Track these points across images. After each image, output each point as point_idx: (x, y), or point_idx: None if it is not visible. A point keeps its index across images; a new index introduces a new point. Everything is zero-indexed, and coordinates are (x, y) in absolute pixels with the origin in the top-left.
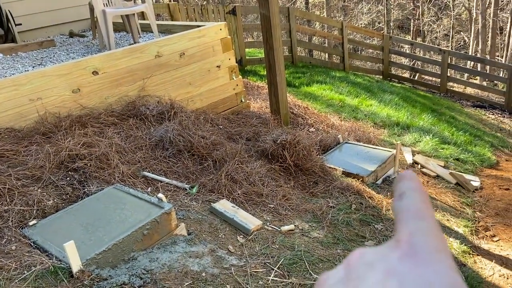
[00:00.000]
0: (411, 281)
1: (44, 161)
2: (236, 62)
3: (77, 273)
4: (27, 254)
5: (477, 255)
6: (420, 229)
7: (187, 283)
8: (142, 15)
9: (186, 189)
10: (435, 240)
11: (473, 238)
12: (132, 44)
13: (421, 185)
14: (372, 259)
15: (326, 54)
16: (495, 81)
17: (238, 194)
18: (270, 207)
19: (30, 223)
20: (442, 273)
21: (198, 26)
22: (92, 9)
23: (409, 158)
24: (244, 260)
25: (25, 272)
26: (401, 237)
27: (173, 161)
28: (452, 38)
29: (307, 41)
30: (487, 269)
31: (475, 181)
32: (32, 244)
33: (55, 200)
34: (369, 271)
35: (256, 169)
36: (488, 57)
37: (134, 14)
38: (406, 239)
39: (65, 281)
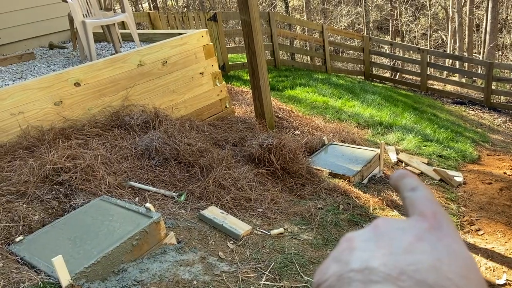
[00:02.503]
0: (441, 247)
1: (28, 176)
2: (219, 68)
3: None
4: (14, 270)
5: None
6: (440, 211)
7: None
8: (123, 24)
9: (174, 198)
10: (452, 223)
11: (459, 233)
12: (114, 54)
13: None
14: (402, 225)
15: (308, 57)
16: (473, 78)
17: (227, 200)
18: (259, 211)
19: (17, 239)
20: (463, 247)
21: (180, 34)
22: (71, 20)
23: (393, 157)
24: (235, 266)
25: None
26: (426, 213)
27: (160, 169)
28: (430, 37)
29: (288, 44)
30: None
31: (458, 177)
32: (19, 260)
33: (41, 215)
34: (400, 234)
35: (244, 174)
36: (465, 54)
37: (114, 24)
38: (431, 215)
39: None
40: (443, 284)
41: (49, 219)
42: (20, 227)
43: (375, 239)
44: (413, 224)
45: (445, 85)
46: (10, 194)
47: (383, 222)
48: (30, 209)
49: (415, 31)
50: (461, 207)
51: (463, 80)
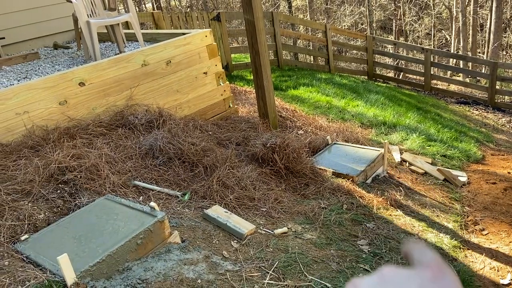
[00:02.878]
0: None
1: (33, 175)
2: (223, 68)
3: (72, 286)
4: (20, 269)
5: (468, 249)
6: (444, 264)
7: None
8: (127, 24)
9: (178, 197)
10: (455, 275)
11: (463, 233)
12: (118, 54)
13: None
14: (408, 275)
15: (311, 56)
16: (477, 77)
17: (230, 199)
18: (262, 210)
19: (22, 238)
20: None
21: (183, 34)
22: (76, 20)
23: (397, 157)
24: (239, 265)
25: (20, 287)
26: (431, 265)
27: (164, 169)
28: (434, 36)
29: (292, 44)
30: (478, 263)
31: (463, 177)
32: (25, 259)
33: (46, 213)
34: (405, 283)
35: (247, 174)
36: (469, 54)
37: (118, 24)
38: (435, 266)
39: None
40: None
41: (54, 218)
42: (26, 225)
43: (382, 286)
44: (417, 274)
45: (449, 85)
46: (15, 193)
47: (389, 271)
48: (36, 208)
49: (418, 31)
50: (465, 207)
51: (467, 79)
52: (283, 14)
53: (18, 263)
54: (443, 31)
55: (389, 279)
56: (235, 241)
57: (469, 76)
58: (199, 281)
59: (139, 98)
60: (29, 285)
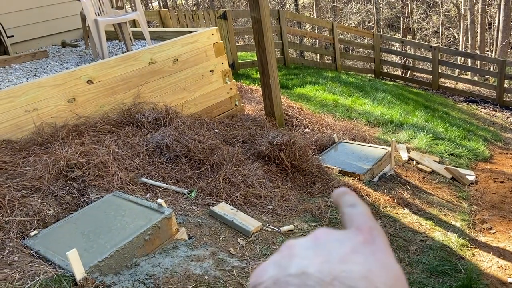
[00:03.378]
0: (373, 259)
1: (42, 172)
2: (229, 66)
3: (81, 281)
4: (30, 264)
5: (475, 247)
6: (376, 227)
7: (190, 287)
8: (134, 23)
9: (185, 194)
10: (385, 238)
11: (471, 231)
12: (125, 52)
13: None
14: (340, 237)
15: (318, 55)
16: (486, 76)
17: (237, 196)
18: (268, 208)
19: (32, 234)
20: (393, 261)
21: (190, 32)
22: (84, 19)
23: (404, 155)
24: (246, 261)
25: (29, 282)
26: (363, 228)
27: (171, 166)
28: (442, 34)
29: (298, 42)
30: (485, 261)
31: (470, 175)
32: (34, 254)
33: (55, 209)
34: (338, 245)
35: (254, 171)
36: (478, 52)
37: (126, 22)
38: (367, 230)
39: None
40: None
41: (63, 214)
42: (35, 221)
43: (314, 248)
44: (350, 237)
45: (457, 83)
46: (25, 189)
47: (323, 233)
48: (45, 204)
49: (426, 29)
50: (473, 206)
51: (475, 78)
52: (290, 12)
53: (27, 258)
54: (451, 29)
55: (323, 241)
56: (242, 238)
57: (477, 75)
58: (206, 277)
59: (146, 96)
60: (38, 280)
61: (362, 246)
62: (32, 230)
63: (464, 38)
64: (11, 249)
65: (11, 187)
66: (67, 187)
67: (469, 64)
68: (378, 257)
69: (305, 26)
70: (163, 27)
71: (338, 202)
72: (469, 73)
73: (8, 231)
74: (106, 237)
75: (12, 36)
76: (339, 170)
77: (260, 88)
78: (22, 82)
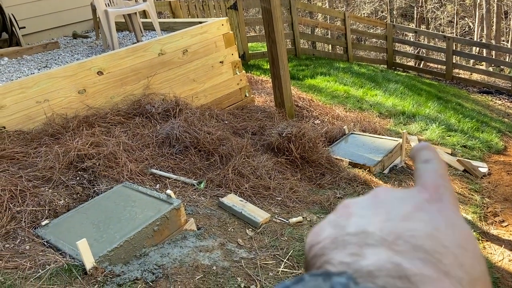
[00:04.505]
0: (439, 218)
1: (53, 162)
2: (239, 57)
3: (91, 270)
4: (41, 253)
5: (486, 240)
6: (445, 186)
7: (199, 277)
8: (144, 14)
9: (194, 185)
10: (454, 197)
11: (482, 224)
12: (135, 43)
13: (440, 157)
14: (402, 195)
15: (329, 45)
16: (501, 66)
17: (246, 188)
18: (277, 200)
19: (43, 223)
20: (462, 220)
21: (200, 23)
22: (94, 10)
23: None
24: (254, 252)
25: (40, 270)
26: (428, 186)
27: (180, 157)
28: (457, 24)
29: (309, 33)
30: (497, 255)
31: (483, 167)
32: (45, 243)
33: (66, 200)
34: (399, 203)
35: (263, 163)
36: (493, 42)
37: (136, 13)
38: (433, 188)
39: (79, 278)
40: (440, 251)
41: (74, 204)
42: (46, 211)
43: (374, 207)
44: (413, 194)
45: (471, 74)
46: (36, 179)
47: (383, 191)
48: (56, 194)
49: (440, 18)
50: (485, 198)
51: (490, 68)
52: (301, 2)
53: (38, 247)
54: (466, 19)
55: (383, 199)
56: (250, 229)
57: (492, 65)
58: (214, 267)
59: (156, 87)
60: (49, 269)
61: (426, 204)
62: (43, 219)
63: (479, 28)
64: (23, 238)
65: (23, 177)
66: (78, 178)
67: (484, 55)
68: (445, 215)
69: (317, 16)
70: (174, 17)
71: (414, 156)
72: (484, 63)
73: (20, 220)
74: (115, 227)
75: (24, 27)
76: (349, 161)
77: (271, 79)
78: (33, 73)
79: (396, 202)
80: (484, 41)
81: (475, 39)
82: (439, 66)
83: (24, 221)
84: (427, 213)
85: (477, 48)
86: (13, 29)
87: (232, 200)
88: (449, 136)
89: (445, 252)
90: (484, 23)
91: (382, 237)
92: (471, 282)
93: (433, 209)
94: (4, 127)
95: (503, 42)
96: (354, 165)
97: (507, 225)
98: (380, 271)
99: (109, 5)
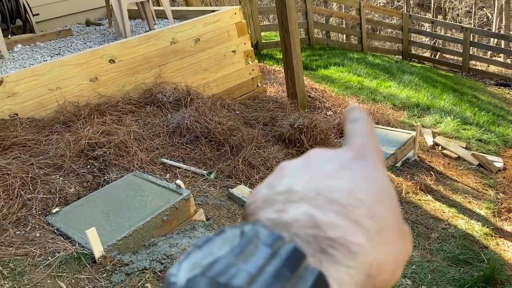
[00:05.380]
0: (360, 175)
1: (65, 150)
2: (252, 46)
3: (100, 259)
4: (51, 240)
5: (500, 237)
6: (370, 144)
7: None
8: (157, 2)
9: (204, 175)
10: (378, 154)
11: (496, 220)
12: (148, 31)
13: (368, 116)
14: (330, 156)
15: (344, 35)
16: None
17: (256, 179)
18: None
19: (53, 211)
20: (382, 175)
21: (213, 11)
22: None
23: (429, 140)
24: None
25: (49, 258)
26: (354, 145)
27: (191, 147)
28: (475, 15)
29: (324, 22)
30: (510, 251)
31: (498, 162)
32: (55, 231)
33: (77, 188)
34: (327, 163)
35: (274, 154)
36: None
37: (148, 1)
38: (358, 147)
39: (88, 266)
40: (354, 204)
41: (84, 192)
42: (57, 199)
43: (304, 168)
44: (340, 154)
45: (488, 66)
46: (47, 167)
47: (314, 153)
48: (66, 182)
49: (458, 9)
50: (500, 194)
51: (508, 60)
52: None
53: (49, 234)
54: (484, 9)
55: (313, 160)
56: None
57: (511, 57)
58: None
59: (167, 76)
60: (58, 256)
61: (350, 162)
62: (53, 207)
63: (498, 19)
64: (33, 225)
65: (34, 165)
66: (88, 166)
67: (502, 46)
68: (366, 172)
69: (332, 5)
70: (187, 5)
71: (344, 118)
72: (501, 55)
73: (30, 207)
74: (125, 216)
75: (38, 14)
76: None
77: (283, 69)
78: (46, 60)
79: (325, 162)
80: (502, 32)
81: (493, 30)
82: (456, 58)
83: (35, 209)
84: (350, 170)
85: (495, 40)
86: (27, 16)
87: (241, 191)
88: (464, 130)
89: (359, 204)
90: (503, 13)
91: (305, 194)
92: (380, 230)
93: (356, 167)
94: (17, 114)
95: None
96: None
97: None
98: (296, 222)
99: None
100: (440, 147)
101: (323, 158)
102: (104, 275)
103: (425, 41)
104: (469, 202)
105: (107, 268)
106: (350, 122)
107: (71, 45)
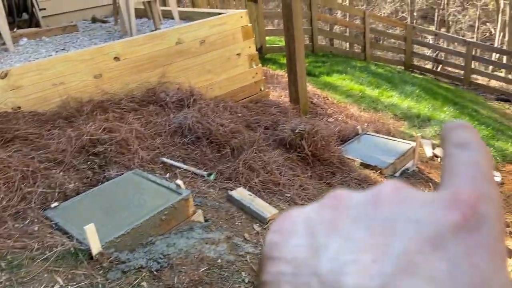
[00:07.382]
0: (465, 270)
1: (66, 145)
2: (256, 50)
3: (97, 255)
4: (49, 235)
5: None
6: (491, 197)
7: (203, 269)
8: (164, 2)
9: (204, 176)
10: (499, 218)
11: None
12: (153, 30)
13: (482, 140)
14: (416, 209)
15: (347, 43)
16: None
17: (255, 182)
18: (287, 196)
19: (52, 205)
20: (503, 272)
21: (219, 14)
22: None
23: (428, 151)
24: (260, 248)
25: (47, 252)
26: (460, 195)
27: (192, 148)
28: (478, 29)
29: (328, 29)
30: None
31: (496, 177)
32: (53, 225)
33: (76, 183)
34: (409, 227)
35: (274, 158)
36: None
37: (156, 0)
38: (469, 202)
39: (85, 262)
40: None
41: (84, 188)
42: (56, 193)
43: (369, 219)
44: (436, 209)
45: (489, 81)
46: (48, 161)
47: (391, 192)
48: (66, 177)
49: (461, 22)
50: None
51: (510, 76)
52: None
53: (47, 229)
54: (487, 24)
55: (388, 211)
56: (257, 224)
57: None
58: (219, 260)
59: (171, 76)
60: (56, 251)
61: (452, 236)
62: (53, 202)
63: (501, 34)
64: (32, 219)
65: (35, 159)
66: (89, 162)
67: (504, 61)
68: (476, 266)
69: (336, 13)
70: (193, 7)
71: (444, 138)
72: (503, 70)
73: (30, 201)
74: (123, 214)
75: (45, 9)
76: (361, 162)
77: (287, 74)
78: (51, 55)
79: (405, 222)
80: (505, 47)
81: (496, 45)
82: (457, 71)
83: (34, 202)
84: (447, 259)
85: (497, 55)
86: (34, 10)
87: (241, 193)
88: None
89: None
90: (506, 29)
91: None
92: None
93: (460, 250)
94: (20, 107)
95: None
96: (365, 166)
97: None
98: None
99: None
100: (439, 158)
101: (404, 211)
102: (101, 271)
103: (427, 53)
104: None
105: (104, 265)
106: (456, 146)
107: (77, 41)
